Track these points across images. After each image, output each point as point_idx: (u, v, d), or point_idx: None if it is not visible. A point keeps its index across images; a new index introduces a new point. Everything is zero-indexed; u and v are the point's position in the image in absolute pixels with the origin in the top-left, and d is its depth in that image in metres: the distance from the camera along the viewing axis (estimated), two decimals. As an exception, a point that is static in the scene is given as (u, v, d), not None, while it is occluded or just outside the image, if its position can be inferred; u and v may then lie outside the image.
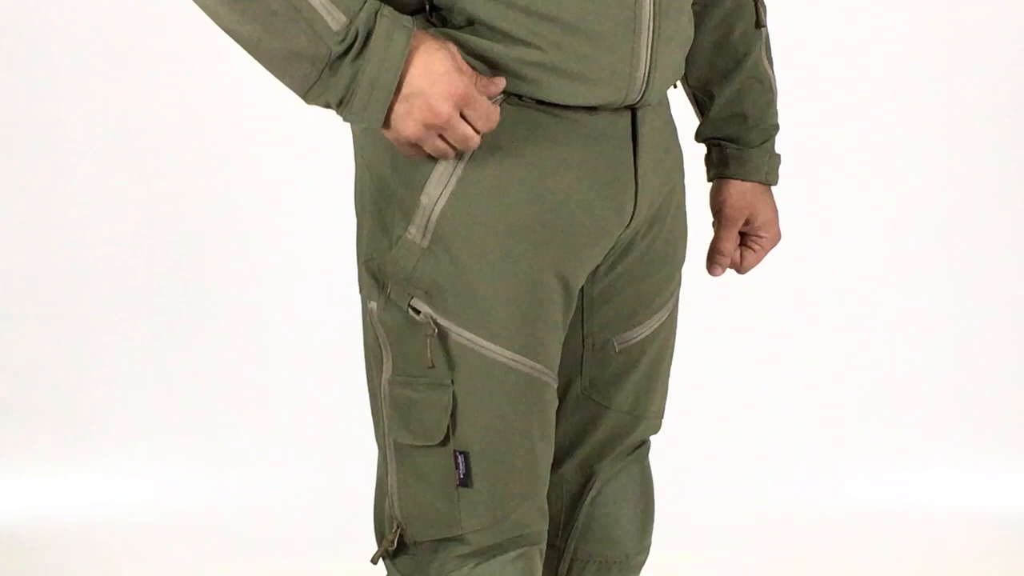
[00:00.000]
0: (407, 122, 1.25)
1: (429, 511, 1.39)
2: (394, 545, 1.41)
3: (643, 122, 1.43)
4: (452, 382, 1.35)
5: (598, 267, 1.47)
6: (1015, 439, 3.16)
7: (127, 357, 3.12)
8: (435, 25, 1.31)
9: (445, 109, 1.25)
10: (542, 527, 1.45)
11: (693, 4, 1.61)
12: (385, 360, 1.38)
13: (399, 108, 1.25)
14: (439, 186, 1.33)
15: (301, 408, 3.11)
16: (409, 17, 1.26)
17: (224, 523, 2.94)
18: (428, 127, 1.26)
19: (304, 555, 2.84)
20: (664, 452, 1.74)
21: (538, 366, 1.38)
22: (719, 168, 1.71)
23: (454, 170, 1.33)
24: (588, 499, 1.64)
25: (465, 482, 1.37)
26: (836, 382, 3.18)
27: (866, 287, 3.19)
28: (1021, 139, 3.16)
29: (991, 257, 3.19)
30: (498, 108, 1.29)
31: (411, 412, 1.37)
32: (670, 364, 1.65)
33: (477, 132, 1.28)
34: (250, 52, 1.25)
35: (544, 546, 1.46)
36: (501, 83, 1.29)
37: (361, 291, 1.42)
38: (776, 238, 1.73)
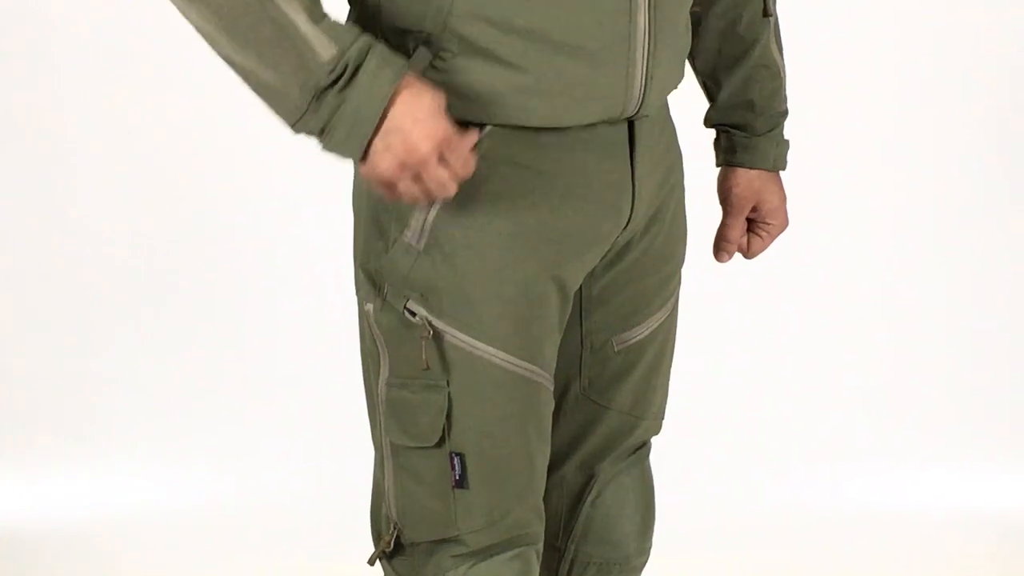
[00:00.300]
0: (384, 158, 1.23)
1: (425, 512, 1.39)
2: (391, 546, 1.42)
3: (640, 129, 1.42)
4: (447, 384, 1.34)
5: (595, 267, 1.47)
6: (1013, 440, 3.14)
7: (127, 357, 3.12)
8: (426, 46, 1.29)
9: (424, 149, 1.23)
10: (538, 528, 1.45)
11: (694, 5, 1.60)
12: (382, 362, 1.38)
13: (378, 143, 1.23)
14: None
15: (300, 409, 3.10)
16: (404, 58, 1.25)
17: (223, 523, 2.94)
18: (404, 166, 1.24)
19: (302, 555, 2.83)
20: (663, 453, 1.73)
21: (534, 368, 1.38)
22: (727, 155, 1.70)
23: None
24: (588, 500, 1.63)
25: (461, 483, 1.37)
26: (834, 383, 3.17)
27: (865, 288, 3.19)
28: (1022, 139, 3.15)
29: (990, 258, 3.18)
30: (475, 158, 1.28)
31: (407, 414, 1.36)
32: (670, 365, 1.64)
33: (454, 177, 1.26)
34: (242, 78, 1.25)
35: (541, 546, 1.46)
36: (475, 135, 1.28)
37: (358, 293, 1.41)
38: (784, 225, 1.72)
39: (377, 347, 1.37)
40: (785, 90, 1.69)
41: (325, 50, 1.20)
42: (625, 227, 1.43)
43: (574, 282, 1.41)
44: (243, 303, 3.13)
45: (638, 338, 1.55)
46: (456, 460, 1.36)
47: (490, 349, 1.34)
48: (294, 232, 3.12)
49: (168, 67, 3.00)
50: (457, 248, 1.33)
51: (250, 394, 3.11)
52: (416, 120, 1.22)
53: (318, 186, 2.93)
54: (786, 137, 1.70)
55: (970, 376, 3.17)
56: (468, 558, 1.39)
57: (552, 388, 1.42)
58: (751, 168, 1.67)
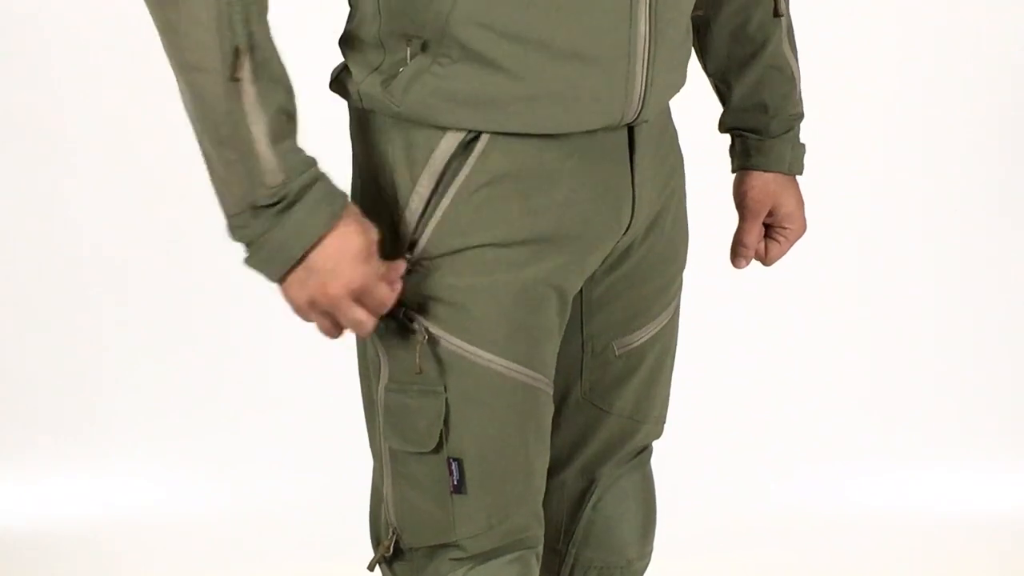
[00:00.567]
0: (298, 291, 1.26)
1: (424, 517, 1.39)
2: (390, 551, 1.42)
3: (640, 135, 1.41)
4: (445, 389, 1.34)
5: (595, 272, 1.46)
6: (1017, 440, 3.11)
7: (128, 359, 3.12)
8: (425, 51, 1.29)
9: (335, 294, 1.25)
10: (538, 531, 1.45)
11: (704, 3, 1.59)
12: (382, 367, 1.38)
13: (296, 275, 1.25)
14: (436, 196, 1.33)
15: (301, 413, 3.10)
16: (345, 195, 1.27)
17: (224, 527, 2.94)
18: (314, 304, 1.26)
19: (302, 560, 2.83)
20: (666, 454, 1.72)
21: (532, 373, 1.38)
22: (741, 159, 1.69)
23: (451, 181, 1.33)
24: (590, 505, 1.63)
25: (459, 489, 1.36)
26: (838, 384, 3.15)
27: (867, 289, 3.16)
28: (1022, 141, 3.12)
29: (992, 259, 3.14)
30: (394, 294, 1.29)
31: (405, 419, 1.37)
32: (671, 369, 1.63)
33: (368, 318, 1.28)
34: (200, 149, 1.27)
35: (540, 550, 1.46)
36: (402, 266, 1.30)
37: None
38: (801, 229, 1.70)
39: (378, 353, 1.38)
40: (800, 92, 1.67)
41: (272, 175, 1.22)
42: (625, 232, 1.43)
43: (573, 287, 1.41)
44: (243, 307, 3.07)
45: (639, 342, 1.54)
46: (454, 465, 1.35)
47: (487, 355, 1.34)
48: None
49: (168, 67, 3.01)
50: (454, 256, 1.32)
51: (249, 398, 3.11)
52: (337, 265, 1.24)
53: None
54: (802, 141, 1.69)
55: (974, 377, 3.14)
56: (467, 562, 1.39)
57: (551, 393, 1.42)
58: (766, 171, 1.66)
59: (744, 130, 1.67)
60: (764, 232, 1.69)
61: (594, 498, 1.62)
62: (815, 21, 2.84)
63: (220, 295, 3.10)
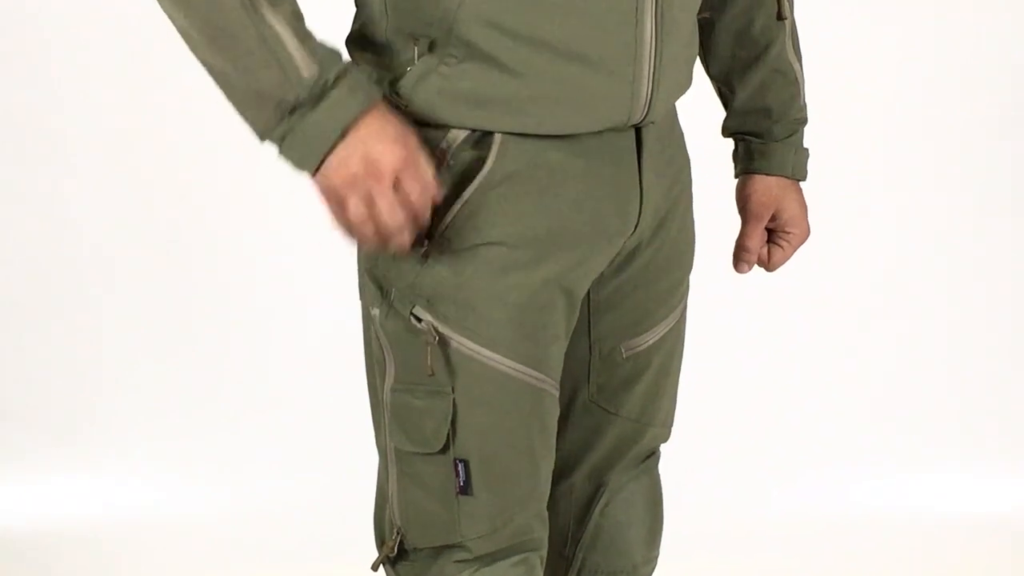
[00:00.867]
0: (338, 170, 1.24)
1: (429, 518, 1.39)
2: (394, 551, 1.41)
3: (647, 136, 1.41)
4: (452, 390, 1.34)
5: (602, 273, 1.46)
6: (1018, 443, 3.12)
7: (128, 360, 3.13)
8: (432, 50, 1.30)
9: (382, 163, 1.24)
10: (542, 534, 1.45)
11: (709, 6, 1.60)
12: (388, 367, 1.38)
13: (338, 153, 1.24)
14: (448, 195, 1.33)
15: (301, 413, 3.10)
16: (379, 88, 1.27)
17: (224, 528, 2.94)
18: (357, 180, 1.25)
19: (302, 560, 2.84)
20: (667, 458, 1.72)
21: (539, 375, 1.38)
22: (744, 163, 1.68)
23: (464, 180, 1.33)
24: (597, 509, 1.62)
25: (465, 490, 1.37)
26: (841, 388, 3.15)
27: (869, 294, 3.17)
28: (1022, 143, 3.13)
29: (992, 264, 3.15)
30: (439, 185, 1.28)
31: (411, 419, 1.37)
32: (679, 372, 1.63)
33: (408, 206, 1.26)
34: (216, 81, 1.26)
35: (545, 552, 1.46)
36: (433, 167, 1.29)
37: (362, 298, 1.42)
38: (805, 234, 1.69)
39: (383, 353, 1.37)
40: (803, 97, 1.67)
41: (308, 68, 1.22)
42: (632, 233, 1.43)
43: (581, 289, 1.41)
44: (242, 307, 3.13)
45: (646, 344, 1.54)
46: (460, 466, 1.36)
47: (496, 356, 1.34)
48: (296, 237, 3.10)
49: (169, 67, 2.91)
50: (464, 254, 1.33)
51: (249, 399, 3.11)
52: (379, 139, 1.24)
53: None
54: (805, 146, 1.68)
55: (976, 381, 3.15)
56: (471, 563, 1.39)
57: (557, 395, 1.42)
58: (769, 175, 1.65)
59: (747, 134, 1.67)
60: (767, 237, 1.68)
61: (602, 503, 1.62)
62: (817, 25, 2.87)
63: (220, 295, 3.12)
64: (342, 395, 2.88)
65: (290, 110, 1.23)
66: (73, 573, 2.83)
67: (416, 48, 1.31)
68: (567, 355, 1.48)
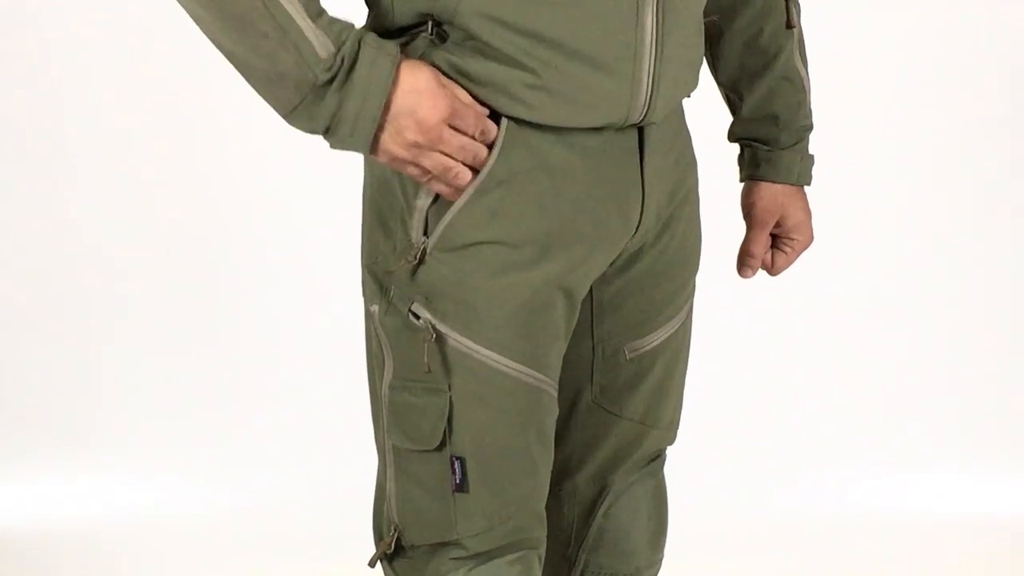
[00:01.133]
0: (395, 144, 1.26)
1: (425, 515, 1.38)
2: (391, 548, 1.41)
3: (650, 136, 1.41)
4: (449, 388, 1.34)
5: (605, 273, 1.46)
6: (1019, 443, 3.14)
7: (127, 360, 3.14)
8: (435, 43, 1.30)
9: (433, 121, 1.25)
10: (540, 533, 1.44)
11: (718, 8, 1.60)
12: (386, 364, 1.38)
13: (388, 131, 1.25)
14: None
15: (301, 413, 3.11)
16: (394, 43, 1.27)
17: (224, 528, 2.95)
18: (419, 145, 1.26)
19: (304, 560, 2.84)
20: (671, 459, 1.72)
21: (537, 375, 1.37)
22: (750, 169, 1.69)
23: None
24: (601, 511, 1.62)
25: (461, 487, 1.36)
26: (842, 390, 3.16)
27: (870, 296, 3.17)
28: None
29: (992, 266, 3.16)
30: (486, 116, 1.29)
31: (408, 416, 1.36)
32: (684, 374, 1.63)
33: (472, 142, 1.28)
34: (233, 64, 1.26)
35: (543, 551, 1.45)
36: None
37: (364, 294, 1.42)
38: (808, 240, 1.70)
39: (382, 349, 1.37)
40: (809, 104, 1.68)
41: (323, 48, 1.22)
42: (634, 234, 1.43)
43: (581, 289, 1.40)
44: (241, 308, 3.13)
45: (650, 346, 1.54)
46: (457, 464, 1.35)
47: (493, 354, 1.33)
48: (296, 238, 3.12)
49: (170, 67, 3.01)
50: (464, 252, 1.32)
51: (249, 399, 3.12)
52: (418, 98, 1.24)
53: (321, 194, 2.94)
54: (811, 152, 1.69)
55: (976, 381, 3.16)
56: (468, 561, 1.39)
57: (556, 395, 1.41)
58: (775, 182, 1.66)
59: (754, 140, 1.68)
60: (771, 242, 1.69)
61: (605, 504, 1.62)
62: (816, 27, 2.89)
63: (219, 296, 3.13)
64: (341, 395, 2.88)
65: (311, 91, 1.22)
66: (73, 573, 2.83)
67: (423, 32, 1.31)
68: (570, 355, 1.48)
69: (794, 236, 1.67)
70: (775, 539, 2.90)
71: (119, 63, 3.05)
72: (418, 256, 1.32)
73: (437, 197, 1.33)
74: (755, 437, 3.10)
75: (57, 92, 3.06)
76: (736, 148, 1.72)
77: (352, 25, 1.26)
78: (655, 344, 1.54)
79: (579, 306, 1.42)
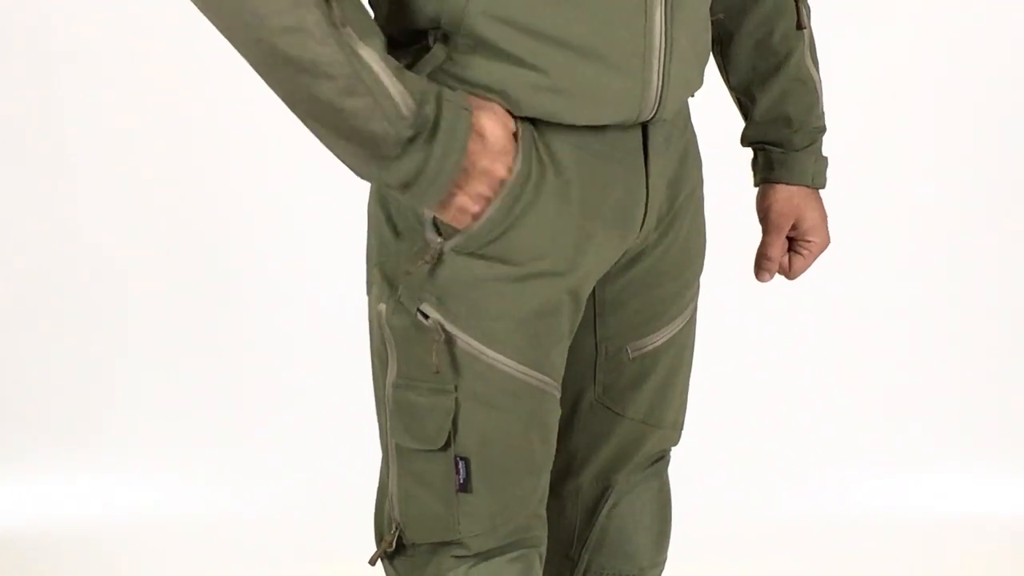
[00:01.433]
0: (467, 197, 1.27)
1: (428, 515, 1.38)
2: (392, 546, 1.41)
3: (655, 134, 1.40)
4: (456, 388, 1.33)
5: (608, 271, 1.45)
6: (1019, 443, 3.14)
7: (127, 361, 3.13)
8: (443, 57, 1.29)
9: (501, 176, 1.28)
10: (541, 532, 1.44)
11: (727, 9, 1.59)
12: (390, 363, 1.37)
13: (463, 186, 1.26)
14: None
15: (301, 413, 3.10)
16: (464, 94, 1.26)
17: (223, 528, 2.94)
18: (488, 200, 1.28)
19: (304, 560, 2.83)
20: (675, 461, 1.72)
21: (543, 377, 1.37)
22: (764, 172, 1.68)
23: None
24: (604, 511, 1.62)
25: (464, 487, 1.36)
26: (848, 391, 3.16)
27: (876, 298, 3.17)
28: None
29: (995, 267, 3.16)
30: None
31: (414, 416, 1.36)
32: (688, 374, 1.62)
33: None
34: (312, 120, 1.23)
35: (544, 550, 1.45)
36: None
37: (369, 293, 1.40)
38: (825, 243, 1.69)
39: (386, 348, 1.36)
40: (822, 106, 1.67)
41: (406, 106, 1.20)
42: (639, 232, 1.42)
43: (586, 289, 1.40)
44: (242, 309, 3.13)
45: (653, 346, 1.53)
46: (461, 464, 1.35)
47: (500, 357, 1.33)
48: (295, 241, 3.12)
49: (173, 69, 3.01)
50: (480, 258, 1.31)
51: (249, 400, 3.12)
52: (494, 156, 1.27)
53: (324, 196, 2.94)
54: (824, 154, 1.68)
55: (976, 381, 3.16)
56: (469, 559, 1.39)
57: (559, 396, 1.41)
58: (790, 184, 1.65)
59: (767, 143, 1.67)
60: (787, 246, 1.68)
61: (609, 504, 1.61)
62: (830, 32, 2.88)
63: (219, 295, 3.12)
64: (342, 395, 2.87)
65: (405, 145, 1.22)
66: (73, 573, 2.82)
67: (428, 40, 1.30)
68: (573, 354, 1.47)
69: (811, 239, 1.67)
70: (777, 539, 2.90)
71: (120, 63, 3.04)
72: (435, 257, 1.31)
73: None
74: (756, 438, 3.10)
75: (58, 92, 3.06)
76: (748, 152, 1.71)
77: (427, 80, 1.24)
78: (658, 344, 1.54)
79: (583, 306, 1.42)
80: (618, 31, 1.29)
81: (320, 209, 3.04)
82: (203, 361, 3.12)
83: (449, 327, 1.32)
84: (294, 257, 3.12)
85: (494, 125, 1.26)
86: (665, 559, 1.68)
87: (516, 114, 1.30)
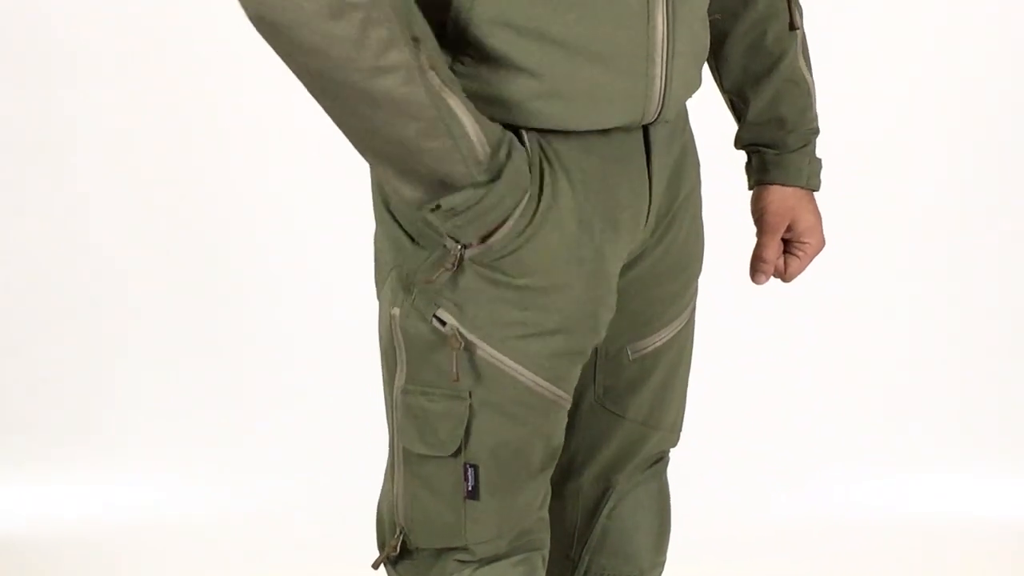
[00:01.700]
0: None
1: (435, 520, 1.39)
2: (396, 551, 1.41)
3: (656, 136, 1.41)
4: (470, 395, 1.34)
5: None
6: (1019, 443, 3.13)
7: (127, 362, 3.13)
8: (447, 51, 1.29)
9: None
10: (544, 535, 1.45)
11: (721, 10, 1.59)
12: (399, 368, 1.37)
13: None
14: None
15: (302, 413, 3.10)
16: (514, 136, 1.28)
17: (224, 529, 2.94)
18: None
19: (305, 561, 2.83)
20: (674, 461, 1.72)
21: (559, 391, 1.38)
22: (759, 174, 1.68)
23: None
24: (604, 512, 1.62)
25: (473, 494, 1.36)
26: (846, 392, 3.15)
27: (868, 299, 3.17)
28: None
29: (992, 263, 3.15)
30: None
31: (426, 422, 1.36)
32: (687, 376, 1.63)
33: None
34: (376, 156, 1.24)
35: (546, 552, 1.46)
36: None
37: (380, 296, 1.40)
38: (820, 244, 1.69)
39: (396, 352, 1.36)
40: (815, 107, 1.67)
41: (481, 150, 1.23)
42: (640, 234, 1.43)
43: (607, 305, 1.41)
44: (242, 310, 3.13)
45: (653, 347, 1.54)
46: (470, 471, 1.35)
47: (519, 368, 1.33)
48: (297, 241, 3.11)
49: (174, 69, 3.01)
50: (499, 269, 1.31)
51: (250, 399, 3.11)
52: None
53: (326, 197, 2.95)
54: (818, 156, 1.68)
55: (976, 381, 3.15)
56: (473, 563, 1.39)
57: (569, 407, 1.42)
58: (784, 185, 1.65)
59: (761, 145, 1.67)
60: (783, 248, 1.68)
61: (609, 505, 1.62)
62: (823, 33, 2.88)
63: (220, 297, 3.12)
64: (342, 395, 2.88)
65: (474, 188, 1.23)
66: (73, 574, 2.82)
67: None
68: None
69: (806, 240, 1.66)
70: (777, 540, 2.90)
71: (120, 63, 3.04)
72: (455, 264, 1.31)
73: None
74: (755, 438, 3.09)
75: (58, 92, 3.05)
76: (742, 154, 1.71)
77: (500, 127, 1.26)
78: (658, 345, 1.54)
79: (602, 324, 1.42)
80: (622, 32, 1.30)
81: (320, 209, 3.03)
82: (203, 361, 3.11)
83: (468, 335, 1.32)
84: (294, 257, 3.12)
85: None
86: (665, 560, 1.69)
87: (524, 126, 1.30)
